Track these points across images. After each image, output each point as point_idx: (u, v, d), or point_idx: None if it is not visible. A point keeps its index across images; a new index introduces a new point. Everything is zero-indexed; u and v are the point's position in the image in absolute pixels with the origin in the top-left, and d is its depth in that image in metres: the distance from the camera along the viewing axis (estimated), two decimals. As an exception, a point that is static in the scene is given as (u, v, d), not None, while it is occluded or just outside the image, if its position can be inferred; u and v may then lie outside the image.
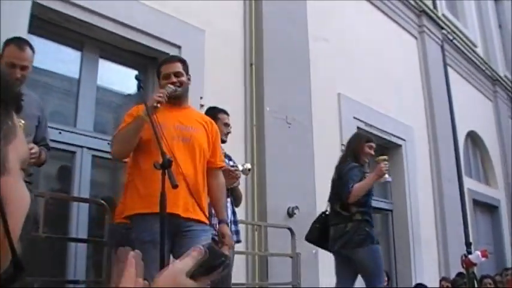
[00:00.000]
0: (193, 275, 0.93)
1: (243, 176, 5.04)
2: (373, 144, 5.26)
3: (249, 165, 4.79)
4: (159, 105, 3.35)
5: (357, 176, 4.97)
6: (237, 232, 4.65)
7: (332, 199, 5.12)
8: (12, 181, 0.73)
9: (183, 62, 3.86)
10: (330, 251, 5.11)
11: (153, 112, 3.31)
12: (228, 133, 4.79)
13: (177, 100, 3.67)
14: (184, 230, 3.40)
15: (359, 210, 4.93)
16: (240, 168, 4.63)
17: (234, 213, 4.66)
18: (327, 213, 5.17)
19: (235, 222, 4.66)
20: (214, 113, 4.73)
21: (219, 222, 3.71)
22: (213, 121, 3.92)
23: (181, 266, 0.93)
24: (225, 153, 4.76)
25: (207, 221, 3.54)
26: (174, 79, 3.66)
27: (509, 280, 6.51)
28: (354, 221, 4.91)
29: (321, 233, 5.14)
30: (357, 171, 5.01)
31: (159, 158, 2.95)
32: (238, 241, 4.69)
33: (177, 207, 3.32)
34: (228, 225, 3.74)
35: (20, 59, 3.39)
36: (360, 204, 4.91)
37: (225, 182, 3.88)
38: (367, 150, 5.16)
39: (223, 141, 4.73)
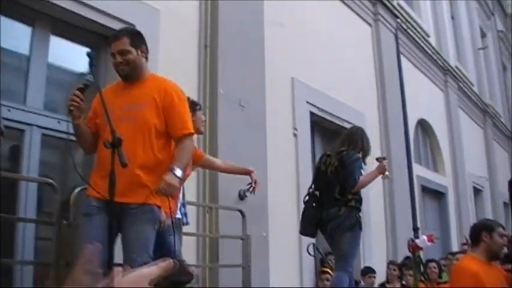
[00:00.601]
0: (156, 284, 0.91)
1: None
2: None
3: None
4: (72, 109, 3.44)
5: (361, 168, 5.43)
6: (185, 214, 4.66)
7: (331, 184, 5.37)
8: None
9: (132, 36, 3.71)
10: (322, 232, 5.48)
11: (76, 116, 3.46)
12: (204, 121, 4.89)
13: (128, 79, 3.64)
14: (125, 211, 3.36)
15: (354, 198, 5.34)
16: None
17: (184, 196, 4.67)
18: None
19: (184, 204, 4.67)
20: (190, 105, 4.76)
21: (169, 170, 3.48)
22: (171, 86, 3.71)
23: (146, 272, 0.92)
24: None
25: (150, 201, 3.40)
26: (119, 58, 3.59)
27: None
28: (348, 207, 5.29)
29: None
30: (360, 163, 5.47)
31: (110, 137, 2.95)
32: (187, 223, 4.70)
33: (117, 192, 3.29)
34: (175, 176, 3.44)
35: None
36: (355, 192, 5.33)
37: (191, 148, 3.76)
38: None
39: (201, 133, 4.82)
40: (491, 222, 4.58)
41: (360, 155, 5.50)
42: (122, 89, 3.67)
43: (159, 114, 3.50)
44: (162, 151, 3.52)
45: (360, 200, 5.41)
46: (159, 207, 3.42)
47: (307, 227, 5.47)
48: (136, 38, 3.70)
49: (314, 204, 5.46)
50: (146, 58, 3.72)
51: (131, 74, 3.63)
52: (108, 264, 3.12)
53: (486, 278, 4.17)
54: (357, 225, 5.28)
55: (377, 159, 5.43)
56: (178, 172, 3.44)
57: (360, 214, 5.40)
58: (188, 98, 4.83)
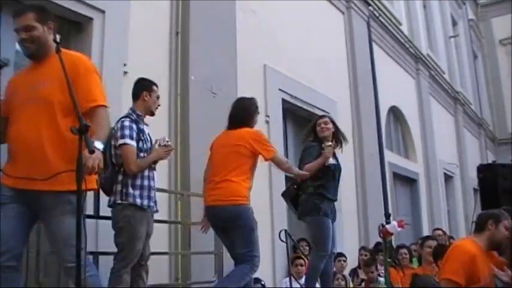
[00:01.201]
0: None
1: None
2: (325, 120, 6.04)
3: (167, 138, 4.76)
4: None
5: (311, 155, 5.69)
6: (155, 202, 4.62)
7: None
8: None
9: (38, 11, 3.44)
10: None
11: None
12: (158, 106, 4.79)
13: (34, 57, 3.46)
14: (41, 201, 3.23)
15: (312, 184, 5.68)
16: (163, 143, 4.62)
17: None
18: None
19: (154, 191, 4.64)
20: (148, 84, 4.71)
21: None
22: (77, 58, 3.48)
23: None
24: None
25: (63, 187, 3.16)
26: (24, 35, 3.37)
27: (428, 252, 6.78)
28: (307, 193, 5.71)
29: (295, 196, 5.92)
30: (312, 150, 5.76)
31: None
32: (157, 211, 4.68)
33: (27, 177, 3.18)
34: (101, 152, 3.16)
35: None
36: (314, 179, 5.64)
37: (107, 120, 3.45)
38: (322, 126, 5.94)
39: (152, 114, 4.73)
40: (499, 212, 4.65)
41: (316, 143, 5.85)
42: (30, 68, 3.49)
43: (64, 90, 3.13)
44: None
45: (322, 186, 5.70)
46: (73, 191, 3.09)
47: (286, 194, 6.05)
48: (43, 13, 3.47)
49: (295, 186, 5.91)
50: (54, 35, 3.46)
51: (37, 52, 3.42)
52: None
53: (481, 265, 4.24)
54: (314, 211, 5.59)
55: (323, 146, 5.60)
56: (99, 145, 3.14)
57: (322, 201, 5.68)
58: (144, 78, 4.81)
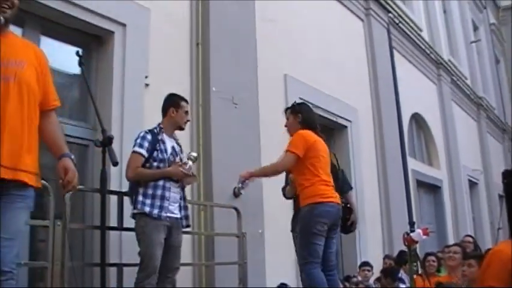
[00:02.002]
0: None
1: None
2: None
3: (194, 154, 4.78)
4: None
5: None
6: (186, 217, 4.70)
7: None
8: None
9: None
10: None
11: None
12: (188, 121, 4.84)
13: (5, 26, 2.89)
14: (3, 192, 2.71)
15: None
16: (189, 163, 4.62)
17: (183, 198, 4.69)
18: None
19: (185, 207, 4.71)
20: (176, 100, 4.76)
21: (60, 157, 2.96)
22: (40, 50, 3.17)
23: None
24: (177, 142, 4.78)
25: (30, 182, 2.78)
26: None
27: (450, 257, 6.67)
28: None
29: None
30: None
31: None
32: (188, 225, 4.73)
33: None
34: (72, 160, 2.96)
35: None
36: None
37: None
38: None
39: (181, 129, 4.79)
40: None
41: None
42: None
43: (39, 80, 2.90)
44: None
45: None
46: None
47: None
48: None
49: None
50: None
51: (8, 22, 2.92)
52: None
53: None
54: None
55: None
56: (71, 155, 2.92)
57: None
58: (173, 94, 4.86)
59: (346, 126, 9.45)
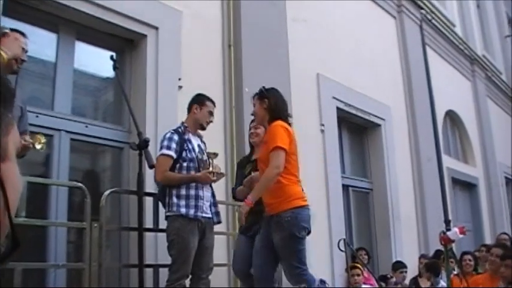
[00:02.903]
0: None
1: (222, 156, 5.06)
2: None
3: (213, 151, 4.60)
4: None
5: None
6: (217, 213, 4.70)
7: None
8: (12, 166, 0.85)
9: None
10: None
11: None
12: (210, 122, 4.81)
13: None
14: None
15: None
16: (214, 162, 4.52)
17: (213, 195, 4.70)
18: None
19: (215, 204, 4.71)
20: (201, 98, 4.76)
21: None
22: None
23: None
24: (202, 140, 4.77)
25: None
26: None
27: (484, 256, 6.57)
28: None
29: None
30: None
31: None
32: (219, 222, 4.74)
33: None
34: None
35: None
36: None
37: None
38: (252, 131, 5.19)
39: (202, 128, 4.76)
40: None
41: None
42: None
43: None
44: None
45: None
46: None
47: None
48: None
49: None
50: None
51: None
52: None
53: None
54: None
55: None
56: None
57: None
58: (200, 94, 4.81)
59: (379, 125, 9.37)
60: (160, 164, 4.37)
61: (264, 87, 4.62)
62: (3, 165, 0.81)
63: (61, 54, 5.24)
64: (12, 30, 3.27)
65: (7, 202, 0.80)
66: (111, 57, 3.45)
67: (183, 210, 4.35)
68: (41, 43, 5.16)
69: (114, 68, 3.37)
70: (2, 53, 3.05)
